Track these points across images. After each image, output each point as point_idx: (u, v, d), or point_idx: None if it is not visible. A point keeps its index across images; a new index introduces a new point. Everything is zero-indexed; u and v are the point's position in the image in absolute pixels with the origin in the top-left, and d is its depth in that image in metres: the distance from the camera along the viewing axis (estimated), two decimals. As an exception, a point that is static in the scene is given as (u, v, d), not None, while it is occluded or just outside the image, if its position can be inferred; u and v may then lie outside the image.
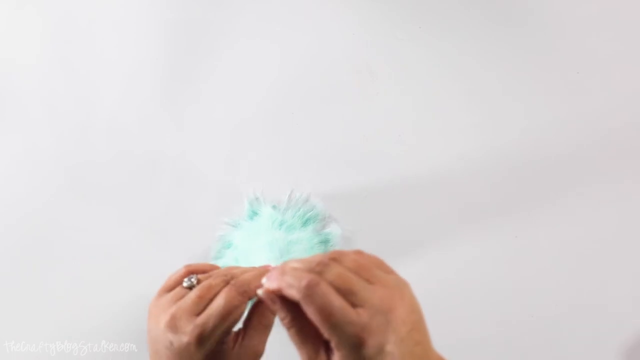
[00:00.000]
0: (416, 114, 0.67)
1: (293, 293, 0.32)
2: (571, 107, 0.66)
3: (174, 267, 0.64)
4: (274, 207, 0.63)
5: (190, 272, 0.40)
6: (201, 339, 0.34)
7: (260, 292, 0.34)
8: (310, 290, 0.32)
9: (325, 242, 0.62)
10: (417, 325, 0.33)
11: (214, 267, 0.41)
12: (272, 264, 0.46)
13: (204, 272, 0.40)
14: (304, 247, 0.61)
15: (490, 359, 0.60)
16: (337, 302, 0.31)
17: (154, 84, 0.68)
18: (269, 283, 0.34)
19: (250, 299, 0.37)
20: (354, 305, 0.32)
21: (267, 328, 0.39)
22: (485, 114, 0.66)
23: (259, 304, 0.39)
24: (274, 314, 0.38)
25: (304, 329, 0.33)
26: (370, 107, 0.67)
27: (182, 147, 0.67)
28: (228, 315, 0.35)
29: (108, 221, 0.65)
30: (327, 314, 0.31)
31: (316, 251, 0.61)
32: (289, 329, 0.34)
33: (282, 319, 0.34)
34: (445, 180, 0.65)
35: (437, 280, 0.61)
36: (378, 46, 0.68)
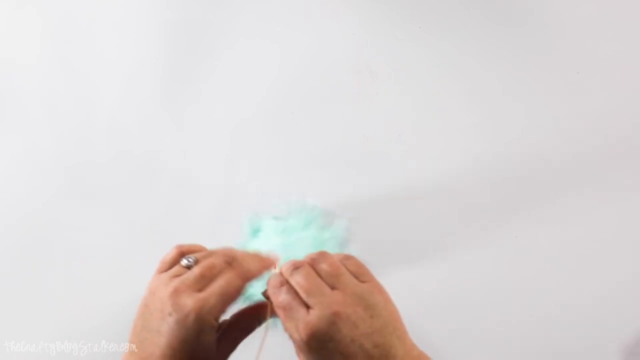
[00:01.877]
0: (416, 114, 0.67)
1: (269, 293, 0.39)
2: (571, 107, 0.66)
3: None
4: (275, 218, 0.63)
5: (182, 252, 0.42)
6: (200, 313, 0.37)
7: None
8: (275, 290, 0.38)
9: (333, 238, 0.62)
10: (379, 330, 0.37)
11: (203, 248, 0.44)
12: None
13: (195, 252, 0.43)
14: (308, 244, 0.61)
15: (490, 359, 0.60)
16: (292, 301, 0.37)
17: (154, 84, 0.68)
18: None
19: (248, 281, 0.41)
20: (309, 305, 0.37)
21: (249, 332, 0.42)
22: (485, 114, 0.66)
23: (246, 310, 0.43)
24: (260, 322, 0.43)
25: None
26: (370, 107, 0.67)
27: (182, 147, 0.67)
28: (228, 295, 0.38)
29: (108, 221, 0.65)
30: (281, 310, 0.37)
31: (325, 246, 0.62)
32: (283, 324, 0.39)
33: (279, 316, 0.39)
34: (445, 180, 0.65)
35: (437, 280, 0.61)
36: (378, 46, 0.68)
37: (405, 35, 0.68)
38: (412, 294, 0.59)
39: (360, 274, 0.40)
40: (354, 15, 0.69)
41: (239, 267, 0.40)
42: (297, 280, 0.38)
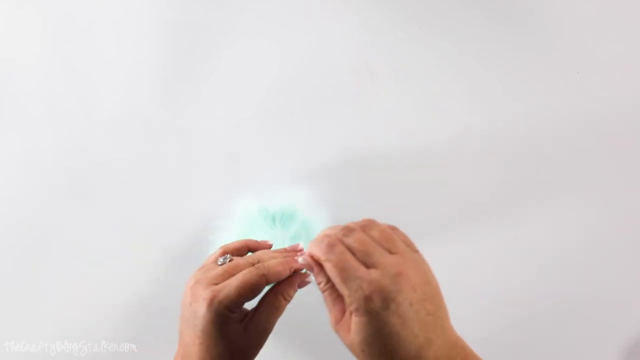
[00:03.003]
0: (416, 114, 0.67)
1: (317, 253, 0.37)
2: (571, 107, 0.66)
3: (174, 267, 0.64)
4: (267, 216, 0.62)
5: (225, 251, 0.44)
6: (212, 302, 0.38)
7: (300, 259, 0.39)
8: (328, 249, 0.36)
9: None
10: (431, 298, 0.36)
11: (245, 243, 0.46)
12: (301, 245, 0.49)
13: (237, 249, 0.45)
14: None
15: (490, 358, 0.60)
16: (350, 259, 0.36)
17: (154, 84, 0.68)
18: (307, 250, 0.38)
19: (268, 283, 0.41)
20: (367, 266, 0.36)
21: (277, 310, 0.42)
22: (485, 114, 0.66)
23: (274, 288, 0.43)
24: (286, 299, 0.43)
25: (334, 293, 0.37)
26: (370, 107, 0.67)
27: (182, 147, 0.67)
28: (243, 289, 0.39)
29: (108, 221, 0.65)
30: (339, 269, 0.35)
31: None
32: (323, 291, 0.38)
33: (318, 283, 0.38)
34: (445, 179, 0.65)
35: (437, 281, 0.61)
36: (378, 46, 0.68)
37: (405, 35, 0.68)
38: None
39: (408, 244, 0.40)
40: (354, 15, 0.69)
41: (262, 267, 0.41)
42: (351, 242, 0.37)
